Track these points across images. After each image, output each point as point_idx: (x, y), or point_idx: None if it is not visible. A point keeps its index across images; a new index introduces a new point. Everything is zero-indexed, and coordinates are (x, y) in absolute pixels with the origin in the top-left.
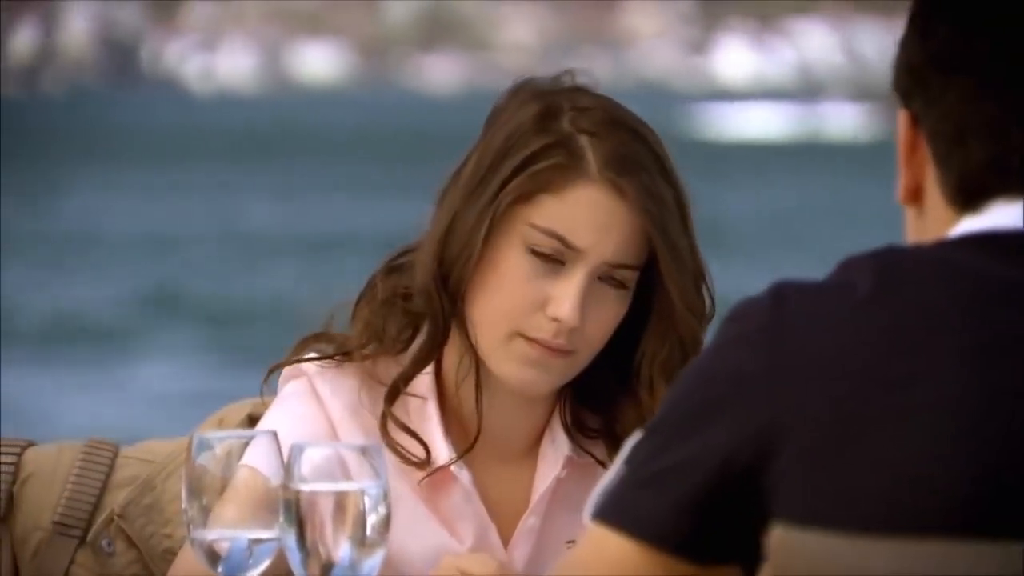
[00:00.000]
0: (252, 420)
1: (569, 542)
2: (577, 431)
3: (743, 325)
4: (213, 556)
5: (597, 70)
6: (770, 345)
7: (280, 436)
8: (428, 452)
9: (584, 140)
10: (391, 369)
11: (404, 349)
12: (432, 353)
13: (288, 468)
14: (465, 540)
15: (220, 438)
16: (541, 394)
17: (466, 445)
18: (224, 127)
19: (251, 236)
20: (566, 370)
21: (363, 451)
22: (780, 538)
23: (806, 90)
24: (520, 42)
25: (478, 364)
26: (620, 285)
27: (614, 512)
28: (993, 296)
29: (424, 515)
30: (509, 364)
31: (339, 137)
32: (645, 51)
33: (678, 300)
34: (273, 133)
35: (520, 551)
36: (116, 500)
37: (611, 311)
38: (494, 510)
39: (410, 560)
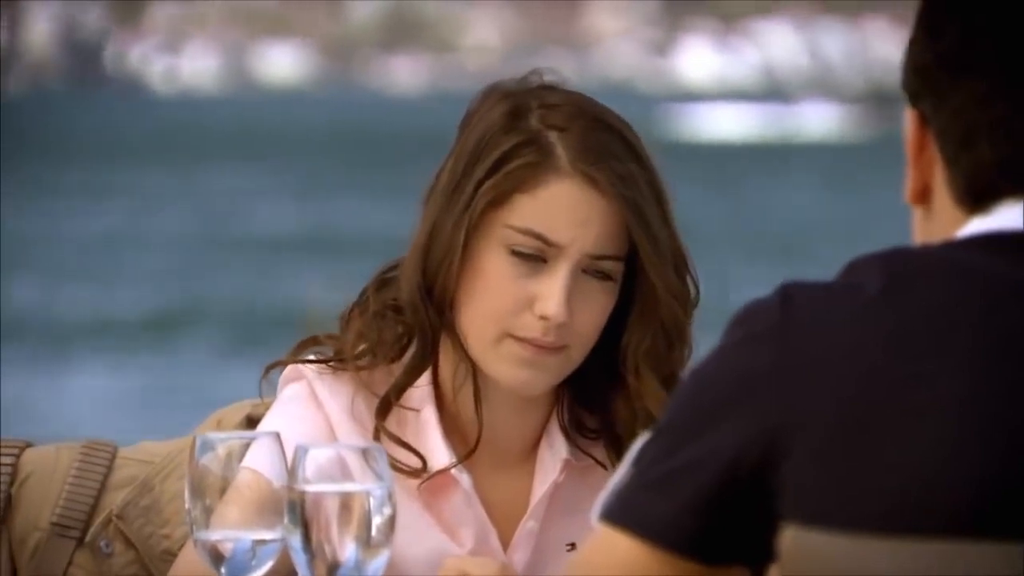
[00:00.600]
0: (251, 421)
1: (569, 545)
2: (576, 432)
3: (751, 326)
4: (217, 557)
5: (561, 71)
6: (779, 345)
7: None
8: (424, 462)
9: (553, 136)
10: (386, 380)
11: (398, 358)
12: (423, 364)
13: (293, 469)
14: (465, 544)
15: (222, 439)
16: (537, 394)
17: (466, 451)
18: (187, 128)
19: (216, 236)
20: (560, 367)
21: (367, 452)
22: (792, 539)
23: (770, 91)
24: (484, 43)
25: (475, 370)
26: (605, 277)
27: (622, 513)
28: (1002, 297)
29: (425, 519)
30: (502, 366)
31: (303, 138)
32: (609, 52)
33: (660, 287)
34: (236, 134)
35: (520, 554)
36: (114, 501)
37: (599, 304)
38: (494, 514)
39: (411, 564)
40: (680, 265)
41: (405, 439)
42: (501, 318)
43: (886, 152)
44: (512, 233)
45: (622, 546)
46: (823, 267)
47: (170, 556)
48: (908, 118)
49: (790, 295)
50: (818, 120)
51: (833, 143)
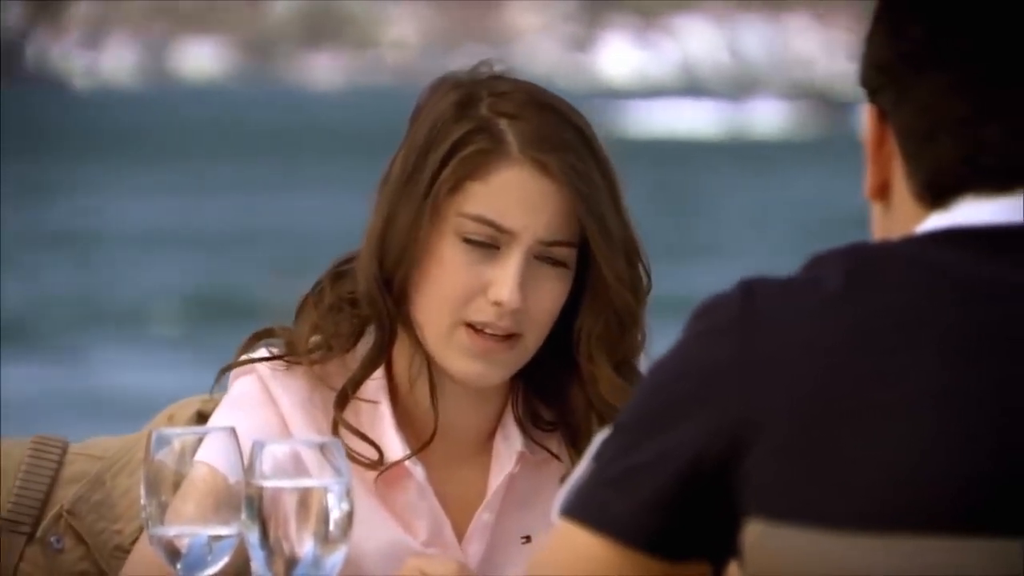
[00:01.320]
0: (201, 416)
1: (524, 537)
2: (532, 425)
3: (712, 320)
4: (173, 552)
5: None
6: (740, 340)
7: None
8: (381, 454)
9: (503, 123)
10: (340, 372)
11: (351, 348)
12: (380, 356)
13: (250, 465)
14: (419, 536)
15: (178, 434)
16: (491, 385)
17: (420, 443)
18: (107, 125)
19: (138, 233)
20: (514, 359)
21: (324, 448)
22: (756, 534)
23: (690, 87)
24: (403, 39)
25: (430, 362)
26: (558, 263)
27: (583, 510)
28: (971, 293)
29: (380, 513)
30: (455, 357)
31: (224, 133)
32: (528, 48)
33: (610, 274)
34: (157, 130)
35: (475, 546)
36: (65, 496)
37: (552, 290)
38: (449, 506)
39: (367, 557)
40: (631, 253)
41: (362, 430)
42: (455, 306)
43: (818, 149)
44: (465, 221)
45: (582, 542)
46: (744, 266)
47: (121, 552)
48: (867, 114)
49: (750, 289)
50: (738, 115)
51: (768, 141)
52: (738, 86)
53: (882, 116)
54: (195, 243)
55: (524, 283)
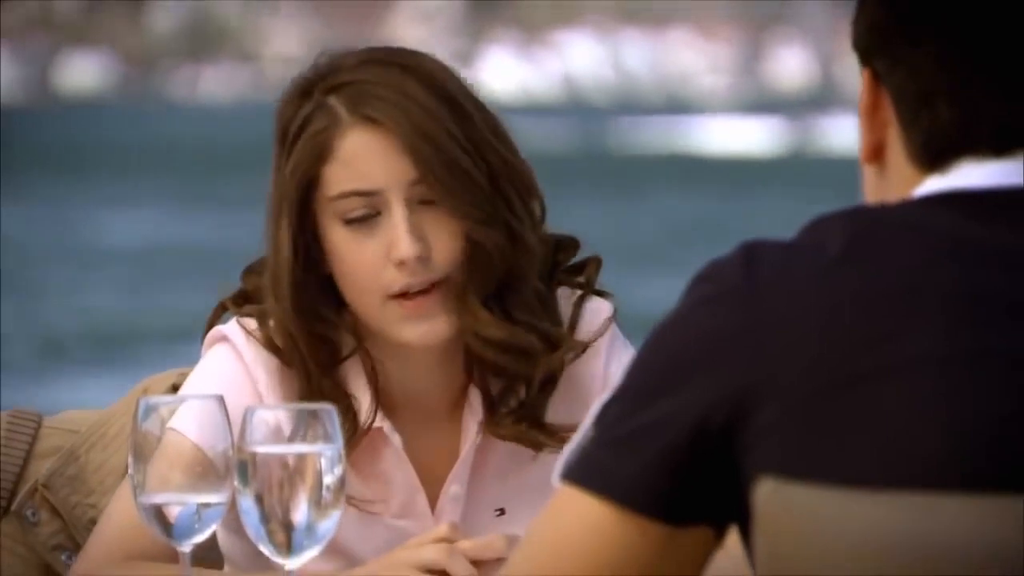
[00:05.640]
0: (176, 390)
1: (497, 510)
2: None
3: (715, 284)
4: (162, 520)
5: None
6: (744, 303)
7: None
8: (355, 416)
9: (332, 99)
10: None
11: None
12: (335, 366)
13: (242, 431)
14: (392, 505)
15: (166, 403)
16: (443, 340)
17: (391, 408)
18: None
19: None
20: (447, 305)
21: (315, 413)
22: (768, 491)
23: (574, 102)
24: (287, 53)
25: (360, 341)
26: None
27: (584, 474)
28: (965, 255)
29: (355, 480)
30: (397, 328)
31: (110, 149)
32: None
33: (457, 212)
34: (40, 145)
35: (447, 518)
36: (40, 470)
37: (448, 225)
38: (422, 476)
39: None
40: (504, 172)
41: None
42: (371, 284)
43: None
44: (336, 203)
45: (583, 506)
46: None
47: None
48: (862, 77)
49: (753, 254)
50: (625, 131)
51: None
52: (620, 101)
53: (876, 78)
54: (80, 262)
55: (416, 231)
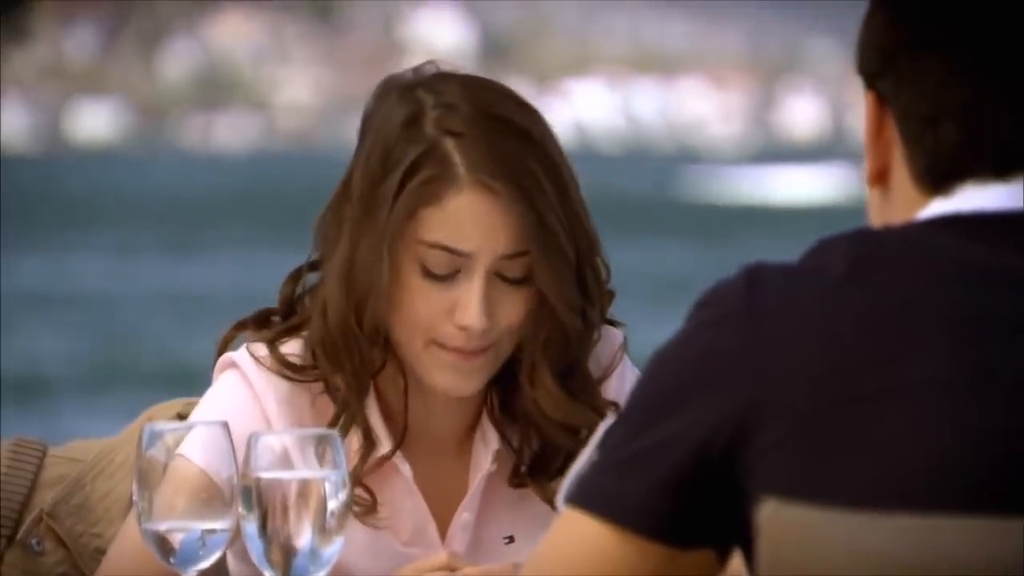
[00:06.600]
0: (181, 419)
1: (506, 538)
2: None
3: (718, 307)
4: (165, 547)
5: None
6: (747, 325)
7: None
8: (369, 445)
9: (450, 144)
10: None
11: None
12: (366, 387)
13: (247, 456)
14: (402, 534)
15: (170, 429)
16: (471, 394)
17: (400, 441)
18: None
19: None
20: (489, 366)
21: (320, 440)
22: (771, 512)
23: (583, 149)
24: (298, 101)
25: (404, 370)
26: (519, 279)
27: (586, 496)
28: (969, 278)
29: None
30: (433, 372)
31: (121, 197)
32: None
33: (554, 297)
34: (51, 195)
35: (456, 546)
36: (45, 499)
37: (517, 302)
38: (432, 505)
39: (350, 551)
40: (587, 253)
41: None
42: (425, 329)
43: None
44: (423, 248)
45: (587, 529)
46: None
47: (101, 555)
48: (867, 100)
49: (756, 277)
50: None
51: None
52: (630, 149)
53: (881, 101)
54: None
55: (488, 303)
